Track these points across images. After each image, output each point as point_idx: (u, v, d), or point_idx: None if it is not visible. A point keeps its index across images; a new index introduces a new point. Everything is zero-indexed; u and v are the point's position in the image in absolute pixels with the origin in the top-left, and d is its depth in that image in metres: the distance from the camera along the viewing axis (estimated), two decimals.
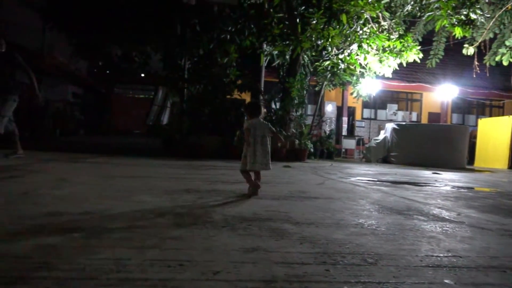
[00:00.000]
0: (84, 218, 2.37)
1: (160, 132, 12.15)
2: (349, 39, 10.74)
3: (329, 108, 18.41)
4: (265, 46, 11.30)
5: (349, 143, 15.10)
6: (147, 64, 12.06)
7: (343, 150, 15.53)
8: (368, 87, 13.07)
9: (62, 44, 17.73)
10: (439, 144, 11.41)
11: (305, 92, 12.00)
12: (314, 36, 9.84)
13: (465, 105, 20.17)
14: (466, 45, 13.14)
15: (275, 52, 11.64)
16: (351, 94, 13.40)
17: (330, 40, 9.80)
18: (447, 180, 6.80)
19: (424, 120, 19.33)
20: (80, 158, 7.25)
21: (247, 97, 13.02)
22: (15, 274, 1.41)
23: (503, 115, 17.99)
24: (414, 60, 11.85)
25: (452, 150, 11.49)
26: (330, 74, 11.31)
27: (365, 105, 18.23)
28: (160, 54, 12.34)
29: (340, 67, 10.96)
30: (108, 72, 24.62)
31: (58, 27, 13.47)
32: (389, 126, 12.67)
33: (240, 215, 2.70)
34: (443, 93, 17.03)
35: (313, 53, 12.09)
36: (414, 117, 19.62)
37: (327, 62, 11.43)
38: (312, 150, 11.42)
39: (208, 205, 3.04)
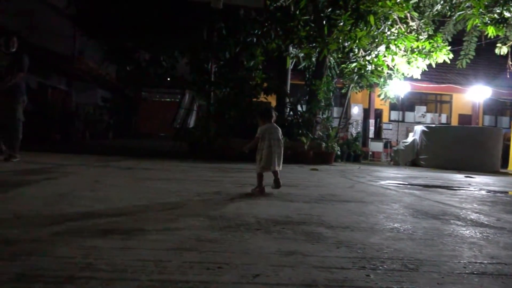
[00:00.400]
0: (120, 220, 2.41)
1: (186, 135, 12.28)
2: (376, 40, 10.60)
3: (355, 111, 18.19)
4: (291, 48, 11.28)
5: (376, 146, 14.87)
6: (174, 68, 12.24)
7: (370, 153, 15.30)
8: (396, 88, 12.84)
9: (92, 49, 18.25)
10: (470, 147, 11.06)
11: (331, 94, 11.89)
12: (341, 38, 9.75)
13: (498, 107, 19.52)
14: (499, 45, 12.75)
15: (301, 55, 11.60)
16: (378, 96, 13.20)
17: (357, 41, 9.68)
18: (481, 184, 6.59)
19: (454, 122, 18.82)
20: (110, 161, 7.40)
21: (272, 100, 13.02)
22: (62, 274, 1.44)
23: None
24: (444, 60, 11.58)
25: (485, 153, 11.13)
26: (357, 76, 11.15)
27: (393, 107, 17.89)
28: (187, 58, 12.51)
29: (367, 69, 10.80)
30: (135, 76, 25.14)
31: (88, 33, 13.83)
32: (418, 128, 12.39)
33: (273, 218, 2.69)
34: (475, 94, 16.53)
35: (339, 55, 11.97)
36: (443, 119, 19.13)
37: (354, 64, 11.30)
38: (339, 153, 11.30)
39: (240, 208, 3.04)
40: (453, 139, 11.33)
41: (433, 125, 13.48)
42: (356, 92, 15.24)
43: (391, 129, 18.03)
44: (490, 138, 11.29)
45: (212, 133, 10.49)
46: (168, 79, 17.82)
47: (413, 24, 11.76)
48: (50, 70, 16.75)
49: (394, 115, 18.57)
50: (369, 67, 10.87)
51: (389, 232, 2.44)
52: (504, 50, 12.47)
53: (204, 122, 10.85)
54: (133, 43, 12.51)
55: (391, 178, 6.99)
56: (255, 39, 10.09)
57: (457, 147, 11.15)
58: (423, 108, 18.89)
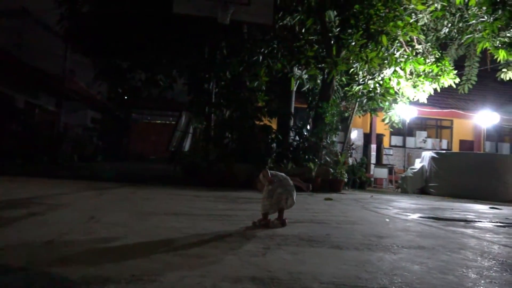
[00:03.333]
0: None
1: (182, 159, 11.53)
2: (385, 62, 10.16)
3: (354, 135, 17.68)
4: (296, 69, 10.76)
5: (380, 172, 14.28)
6: (172, 88, 11.59)
7: (372, 179, 14.69)
8: (401, 113, 12.41)
9: (83, 68, 17.62)
10: (484, 174, 10.52)
11: (335, 118, 11.30)
12: (351, 58, 9.27)
13: (497, 133, 19.21)
14: (504, 70, 12.43)
15: (305, 76, 11.10)
16: (383, 120, 12.73)
17: (369, 62, 9.20)
18: None
19: (455, 148, 18.43)
20: (104, 187, 6.62)
21: (273, 123, 12.41)
22: None
23: None
24: (443, 85, 11.26)
25: (498, 182, 10.57)
26: (366, 99, 10.64)
27: (393, 132, 17.43)
28: (185, 78, 11.89)
29: (377, 91, 10.30)
30: (126, 97, 24.47)
31: (80, 51, 13.17)
32: (427, 154, 11.85)
33: (343, 282, 1.97)
34: (481, 120, 16.09)
35: (343, 78, 11.45)
36: (444, 144, 18.74)
37: (357, 87, 10.81)
38: (345, 180, 10.65)
39: (286, 262, 2.32)
40: (466, 166, 10.80)
41: (443, 152, 12.98)
42: (360, 116, 14.79)
43: (391, 155, 17.51)
44: (504, 165, 10.76)
45: (213, 157, 9.77)
46: (162, 100, 17.19)
47: (419, 47, 11.42)
48: (38, 89, 16.00)
49: (395, 140, 18.13)
50: (378, 90, 10.37)
51: None
52: (510, 75, 12.14)
53: (204, 146, 10.12)
54: (129, 61, 11.87)
55: (415, 210, 6.31)
56: (261, 57, 9.50)
57: (470, 175, 10.61)
58: (424, 134, 18.49)
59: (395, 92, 11.05)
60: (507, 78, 12.38)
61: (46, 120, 16.87)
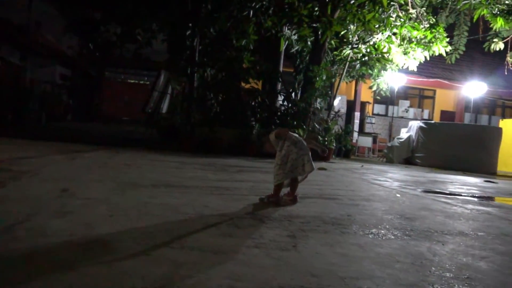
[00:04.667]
0: None
1: (160, 121, 10.79)
2: (381, 25, 9.58)
3: (336, 102, 17.23)
4: (285, 29, 10.03)
5: (364, 141, 13.98)
6: (150, 45, 10.64)
7: (356, 148, 14.41)
8: (390, 80, 11.96)
9: (51, 20, 16.18)
10: (470, 146, 10.32)
11: (326, 83, 10.72)
12: (348, 18, 8.61)
13: (479, 105, 19.13)
14: (495, 40, 12.10)
15: (295, 37, 10.40)
16: (370, 87, 12.26)
17: (366, 23, 8.58)
18: None
19: (436, 118, 18.31)
20: (77, 151, 5.91)
21: (259, 87, 11.76)
22: None
23: None
24: (432, 54, 10.81)
25: (485, 153, 10.43)
26: (359, 64, 10.09)
27: (376, 100, 17.05)
28: (165, 34, 10.94)
29: (371, 55, 9.74)
30: (98, 54, 22.93)
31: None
32: (414, 124, 11.55)
33: None
34: (467, 91, 15.87)
35: (332, 42, 10.80)
36: (426, 114, 18.59)
37: (348, 51, 10.23)
38: (333, 147, 10.26)
39: (331, 261, 1.80)
40: (453, 137, 10.56)
41: (432, 122, 12.71)
42: (347, 83, 14.27)
43: (374, 123, 17.21)
44: (491, 137, 10.59)
45: (195, 120, 9.11)
46: (136, 57, 16.11)
47: (412, 12, 10.85)
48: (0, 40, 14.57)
49: (378, 108, 17.82)
50: (374, 55, 9.81)
51: None
52: (501, 45, 11.83)
53: (186, 108, 9.41)
54: (103, 13, 10.76)
55: (415, 182, 5.96)
56: (252, 11, 8.66)
57: (457, 146, 10.40)
58: (407, 103, 18.22)
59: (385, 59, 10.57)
60: (497, 49, 12.04)
61: (10, 75, 15.52)
